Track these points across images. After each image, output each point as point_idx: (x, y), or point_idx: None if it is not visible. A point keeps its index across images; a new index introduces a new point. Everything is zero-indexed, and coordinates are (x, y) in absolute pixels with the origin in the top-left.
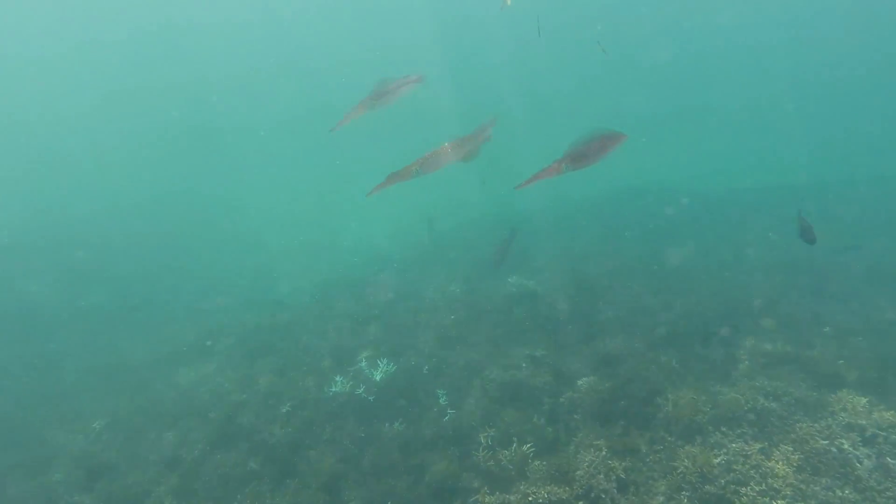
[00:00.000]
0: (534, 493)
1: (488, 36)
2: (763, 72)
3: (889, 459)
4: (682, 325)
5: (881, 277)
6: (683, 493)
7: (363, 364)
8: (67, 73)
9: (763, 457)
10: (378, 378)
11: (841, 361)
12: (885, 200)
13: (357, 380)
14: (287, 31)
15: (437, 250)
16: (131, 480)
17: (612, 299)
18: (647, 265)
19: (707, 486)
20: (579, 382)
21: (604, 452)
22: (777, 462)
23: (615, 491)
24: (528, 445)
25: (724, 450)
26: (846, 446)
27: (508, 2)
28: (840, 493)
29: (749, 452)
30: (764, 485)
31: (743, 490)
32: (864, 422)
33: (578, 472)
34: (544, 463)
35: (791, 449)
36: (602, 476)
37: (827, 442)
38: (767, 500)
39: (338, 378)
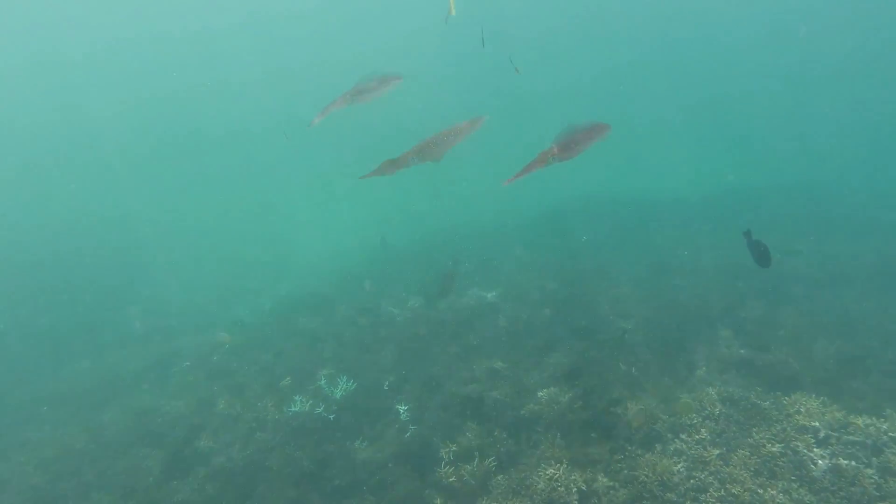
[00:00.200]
0: None
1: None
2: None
3: (842, 460)
4: (641, 333)
5: (829, 280)
6: (645, 502)
7: (323, 382)
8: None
9: (722, 462)
10: (338, 396)
11: (795, 364)
12: (813, 205)
13: (317, 398)
14: (241, 43)
15: (395, 265)
16: None
17: (570, 309)
18: (603, 274)
19: (668, 494)
20: (540, 394)
21: (565, 465)
22: (735, 467)
23: (577, 503)
24: (490, 460)
25: (684, 457)
26: (801, 449)
27: (453, 11)
28: (796, 496)
29: (708, 459)
30: (723, 490)
31: (703, 497)
32: (817, 423)
33: (540, 486)
34: (506, 477)
35: (748, 453)
36: (563, 489)
37: (782, 445)
38: None
39: (297, 397)
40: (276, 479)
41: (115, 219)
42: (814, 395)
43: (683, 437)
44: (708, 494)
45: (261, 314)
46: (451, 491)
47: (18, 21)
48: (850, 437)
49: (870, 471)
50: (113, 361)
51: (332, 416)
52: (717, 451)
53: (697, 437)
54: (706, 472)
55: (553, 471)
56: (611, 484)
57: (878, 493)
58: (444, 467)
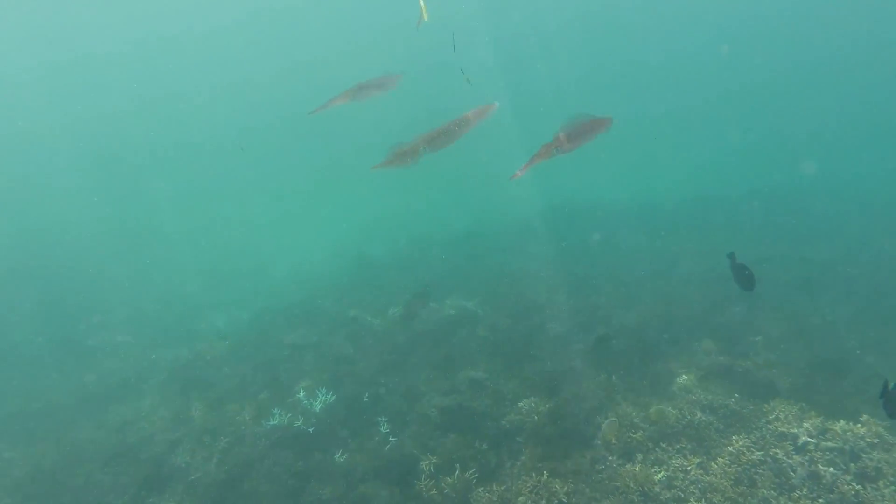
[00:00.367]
0: None
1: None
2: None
3: (820, 466)
4: (621, 340)
5: (806, 284)
6: None
7: (301, 395)
8: None
9: (702, 471)
10: (317, 408)
11: (773, 370)
12: (788, 210)
13: (296, 411)
14: (220, 47)
15: (374, 274)
16: None
17: (550, 317)
18: (583, 281)
19: None
20: (521, 404)
21: (546, 476)
22: (716, 476)
23: None
24: (471, 472)
25: (665, 466)
26: (780, 456)
27: (425, 17)
28: None
29: (689, 468)
30: (704, 500)
31: None
32: (795, 430)
33: (521, 498)
34: (487, 489)
35: (728, 462)
36: (545, 501)
37: (762, 453)
38: None
39: (276, 410)
40: (255, 494)
41: (87, 229)
42: (792, 402)
43: (664, 445)
44: None
45: (239, 326)
46: None
47: None
48: (829, 444)
49: (848, 477)
50: (87, 376)
51: (311, 430)
52: (697, 460)
53: (678, 445)
54: (687, 482)
55: (534, 483)
56: (592, 495)
57: (856, 500)
58: (425, 480)
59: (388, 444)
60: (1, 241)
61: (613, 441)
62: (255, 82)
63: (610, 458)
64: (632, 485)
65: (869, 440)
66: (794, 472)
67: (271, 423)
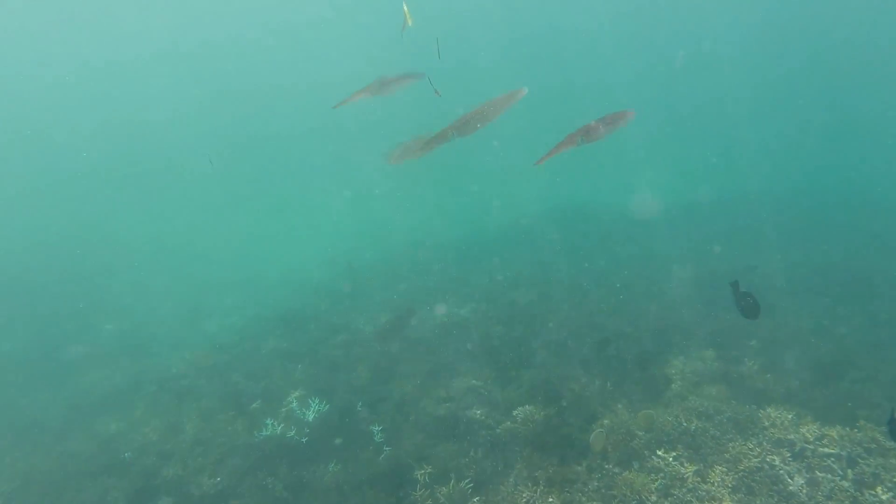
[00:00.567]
0: None
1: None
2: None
3: (818, 473)
4: (615, 346)
5: (798, 289)
6: None
7: (294, 405)
8: None
9: (699, 479)
10: (310, 418)
11: (768, 375)
12: (779, 214)
13: (288, 421)
14: (217, 59)
15: (365, 281)
16: None
17: (543, 324)
18: (575, 287)
19: None
20: (515, 412)
21: (542, 486)
22: (713, 484)
23: None
24: (467, 481)
25: (661, 474)
26: (777, 463)
27: (410, 22)
28: None
29: (685, 475)
30: None
31: None
32: (792, 436)
33: None
34: (483, 499)
35: (725, 469)
36: None
37: (759, 460)
38: None
39: (268, 421)
40: None
41: (80, 239)
42: (788, 407)
43: (660, 453)
44: None
45: (231, 335)
46: None
47: None
48: (825, 450)
49: (845, 483)
50: (78, 386)
51: (304, 440)
52: (694, 468)
53: (674, 453)
54: (684, 490)
55: (530, 493)
56: None
57: None
58: (420, 490)
59: (383, 454)
60: None
61: (602, 451)
62: (252, 94)
63: (606, 466)
64: (628, 493)
65: (866, 445)
66: (791, 479)
67: (264, 433)
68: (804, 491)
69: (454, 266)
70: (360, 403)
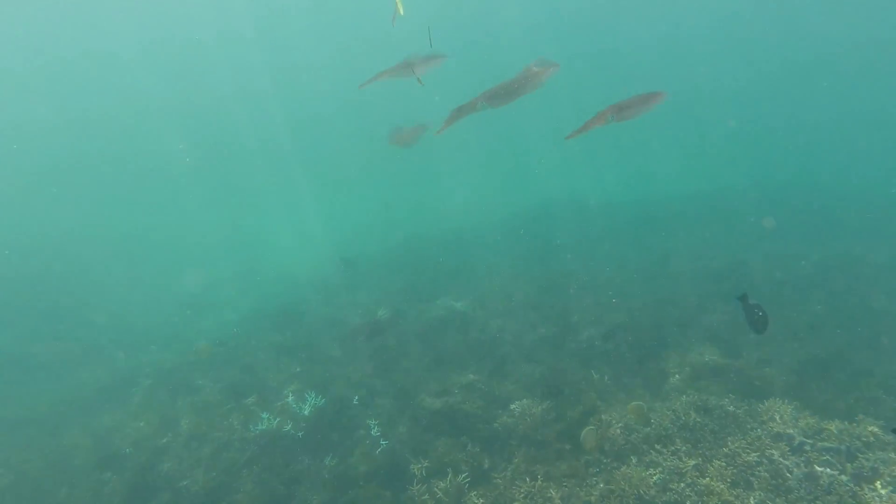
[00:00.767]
0: None
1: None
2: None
3: (817, 467)
4: (612, 340)
5: (795, 282)
6: None
7: (290, 398)
8: None
9: (698, 473)
10: (306, 412)
11: (767, 369)
12: (775, 208)
13: (285, 415)
14: (207, 57)
15: (362, 276)
16: None
17: (540, 317)
18: (573, 280)
19: None
20: (513, 406)
21: (540, 480)
22: (711, 479)
23: None
24: (464, 476)
25: (660, 468)
26: (776, 457)
27: (401, 12)
28: None
29: (684, 470)
30: (700, 503)
31: None
32: (791, 430)
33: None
34: (480, 494)
35: (724, 464)
36: None
37: (758, 454)
38: None
39: (264, 415)
40: (244, 501)
41: (75, 233)
42: (787, 401)
43: (658, 447)
44: None
45: (227, 329)
46: None
47: None
48: (824, 444)
49: (844, 477)
50: (73, 381)
51: (300, 434)
52: (692, 462)
53: (673, 447)
54: (683, 484)
55: (528, 487)
56: (588, 499)
57: (853, 502)
58: (417, 484)
59: (380, 448)
60: None
61: (594, 448)
62: (254, 91)
63: (604, 460)
64: (627, 488)
65: (865, 440)
66: (790, 473)
67: (260, 427)
68: (803, 485)
69: (450, 260)
70: (356, 397)
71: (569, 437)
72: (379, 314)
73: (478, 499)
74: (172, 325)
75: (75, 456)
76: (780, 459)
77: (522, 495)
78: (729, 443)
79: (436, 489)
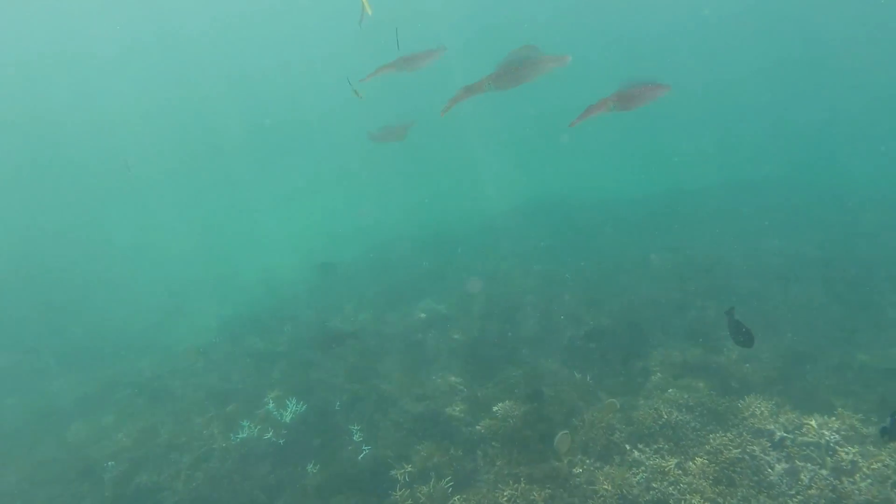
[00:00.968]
0: None
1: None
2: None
3: (798, 462)
4: (594, 340)
5: (774, 276)
6: None
7: (271, 405)
8: None
9: (681, 472)
10: (288, 419)
11: (747, 364)
12: (751, 202)
13: (266, 423)
14: (179, 60)
15: (344, 278)
16: None
17: (523, 318)
18: (554, 280)
19: None
20: (495, 408)
21: (523, 483)
22: (694, 476)
23: None
24: (447, 480)
25: (643, 467)
26: (758, 453)
27: (369, 11)
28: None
29: (667, 468)
30: (683, 501)
31: None
32: (772, 426)
33: None
34: (464, 498)
35: (706, 461)
36: None
37: (739, 451)
38: None
39: (245, 423)
40: None
41: (50, 240)
42: (767, 396)
43: (641, 446)
44: None
45: (206, 335)
46: None
47: None
48: (805, 439)
49: (825, 471)
50: (48, 393)
51: (282, 441)
52: (675, 460)
53: (655, 446)
54: (666, 483)
55: (511, 490)
56: (571, 500)
57: (833, 496)
58: (400, 490)
59: (362, 454)
60: None
61: (567, 454)
62: (233, 89)
63: (587, 461)
64: (610, 488)
65: (844, 433)
66: (772, 469)
67: (240, 436)
68: (785, 480)
69: (432, 262)
70: (338, 403)
71: (551, 439)
72: (360, 318)
73: (462, 503)
74: (151, 332)
75: (51, 470)
76: (762, 455)
77: (506, 498)
78: (711, 440)
79: (419, 494)
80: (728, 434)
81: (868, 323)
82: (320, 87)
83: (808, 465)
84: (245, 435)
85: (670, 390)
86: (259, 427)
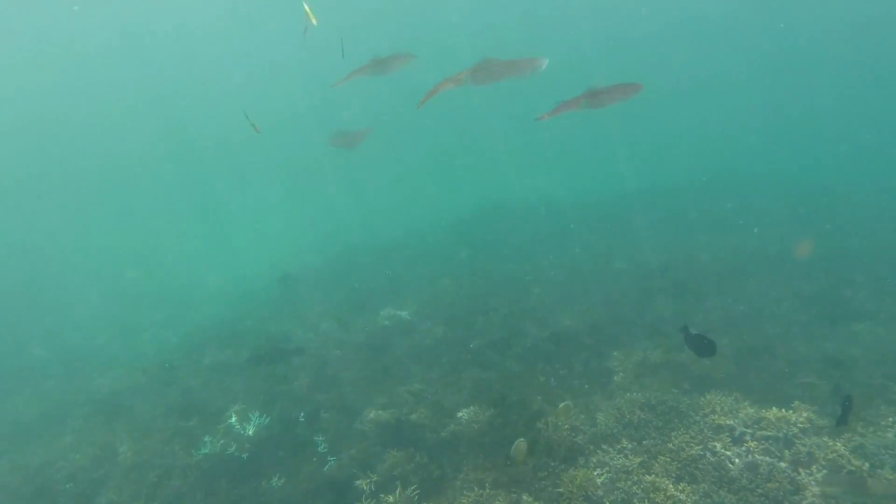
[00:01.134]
0: None
1: None
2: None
3: (757, 456)
4: (556, 342)
5: (730, 273)
6: None
7: (233, 419)
8: None
9: (644, 471)
10: (251, 433)
11: (707, 361)
12: (711, 203)
13: (228, 437)
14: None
15: (303, 289)
16: None
17: (485, 322)
18: (516, 284)
19: None
20: (460, 414)
21: (488, 488)
22: (657, 475)
23: None
24: (413, 488)
25: (607, 468)
26: (719, 449)
27: (314, 21)
28: (717, 499)
29: (630, 468)
30: (647, 501)
31: None
32: (731, 421)
33: None
34: None
35: (669, 459)
36: None
37: (701, 447)
38: None
39: (207, 438)
40: None
41: (5, 253)
42: (727, 392)
43: (605, 447)
44: None
45: (166, 349)
46: None
47: None
48: (763, 432)
49: (783, 464)
50: (5, 409)
51: (245, 456)
52: (638, 460)
53: (619, 446)
54: (629, 482)
55: (476, 496)
56: (535, 503)
57: (791, 487)
58: (365, 500)
59: (327, 465)
60: None
61: (522, 462)
62: (179, 96)
63: (552, 463)
64: (574, 489)
65: (801, 426)
66: (732, 464)
67: (202, 451)
68: (745, 475)
69: (392, 269)
70: (302, 414)
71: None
72: (323, 327)
73: None
74: (110, 347)
75: (5, 494)
76: (723, 451)
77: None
78: (673, 438)
79: (384, 503)
80: (690, 431)
81: (822, 316)
82: (288, 93)
83: (767, 458)
84: (207, 450)
85: (632, 389)
86: (222, 442)
